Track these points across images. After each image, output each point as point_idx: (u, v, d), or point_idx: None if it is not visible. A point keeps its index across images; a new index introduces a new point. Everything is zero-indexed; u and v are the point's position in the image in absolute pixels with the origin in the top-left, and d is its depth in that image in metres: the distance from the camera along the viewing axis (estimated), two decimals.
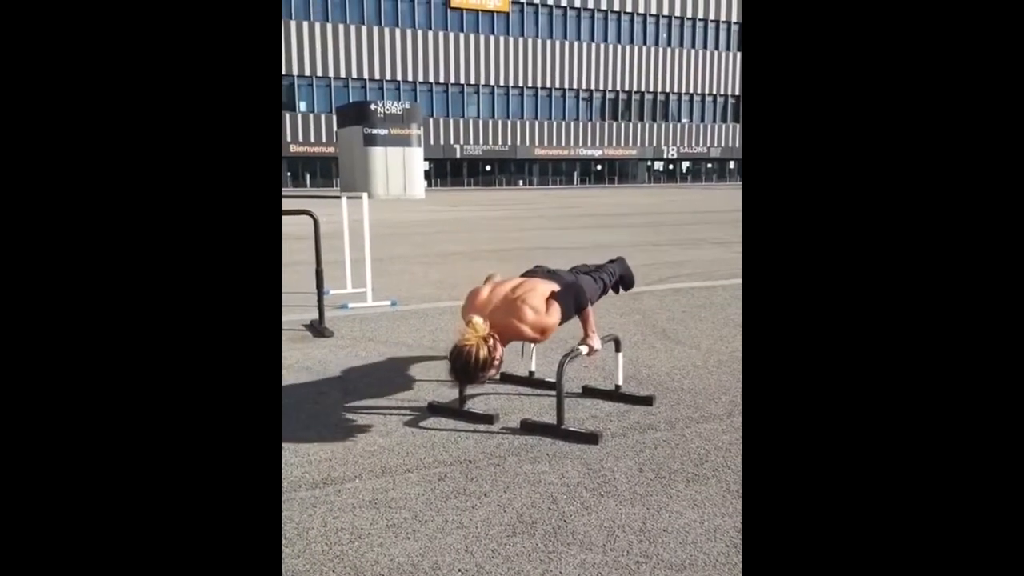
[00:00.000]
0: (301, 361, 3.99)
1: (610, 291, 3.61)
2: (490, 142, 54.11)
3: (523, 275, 3.23)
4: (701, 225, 14.22)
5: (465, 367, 2.69)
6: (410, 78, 50.47)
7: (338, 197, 6.41)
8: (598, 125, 56.92)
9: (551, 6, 52.92)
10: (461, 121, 52.93)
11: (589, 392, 3.33)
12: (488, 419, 2.98)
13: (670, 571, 1.86)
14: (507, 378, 3.51)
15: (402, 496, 2.30)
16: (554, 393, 2.94)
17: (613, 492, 2.31)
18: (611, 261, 3.77)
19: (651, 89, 57.55)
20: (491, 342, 2.74)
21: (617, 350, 3.28)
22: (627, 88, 56.76)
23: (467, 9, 50.95)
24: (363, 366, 3.90)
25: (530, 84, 53.80)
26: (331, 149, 46.04)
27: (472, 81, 52.35)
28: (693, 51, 57.98)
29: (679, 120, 59.34)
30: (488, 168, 55.24)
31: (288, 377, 3.67)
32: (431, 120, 49.74)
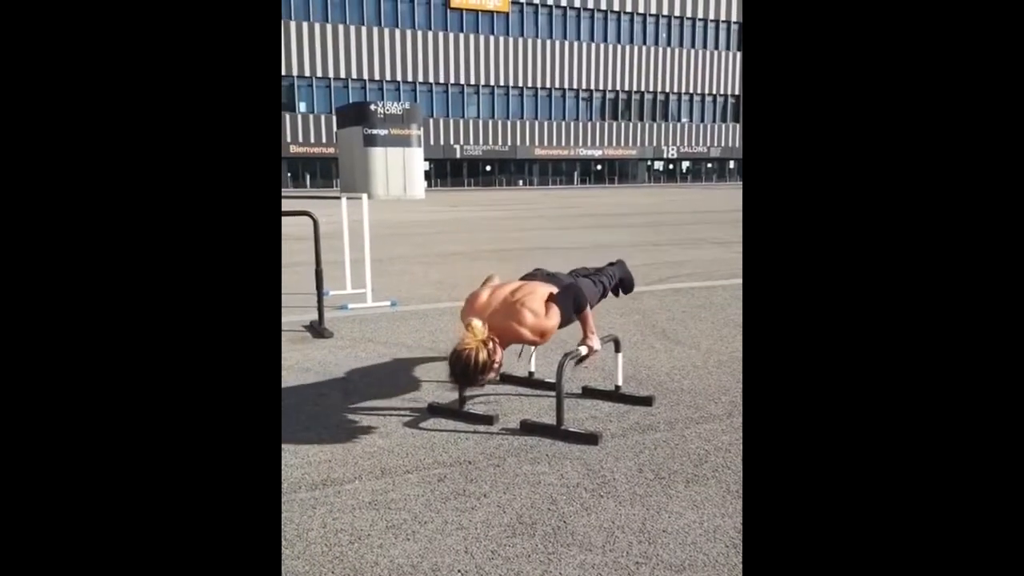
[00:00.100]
0: (301, 362, 3.99)
1: (610, 294, 3.61)
2: (490, 142, 54.12)
3: (522, 278, 3.23)
4: (701, 225, 14.23)
5: (465, 370, 2.69)
6: (410, 78, 50.49)
7: (338, 198, 6.41)
8: (598, 125, 56.93)
9: (551, 6, 52.94)
10: (461, 121, 52.94)
11: (589, 393, 3.33)
12: (488, 420, 2.97)
13: (670, 572, 1.85)
14: (507, 379, 3.51)
15: (402, 497, 2.30)
16: (554, 394, 2.94)
17: (613, 493, 2.31)
18: (611, 264, 3.77)
19: (651, 89, 57.57)
20: (491, 345, 2.74)
21: (617, 350, 3.28)
22: (627, 88, 56.77)
23: (467, 9, 50.97)
24: (363, 367, 3.90)
25: (530, 84, 53.82)
26: (331, 150, 46.06)
27: (472, 81, 52.37)
28: (693, 51, 58.00)
29: (679, 120, 59.36)
30: (488, 168, 55.25)
31: (288, 378, 3.67)
32: (431, 120, 49.75)
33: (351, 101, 42.08)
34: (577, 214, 18.92)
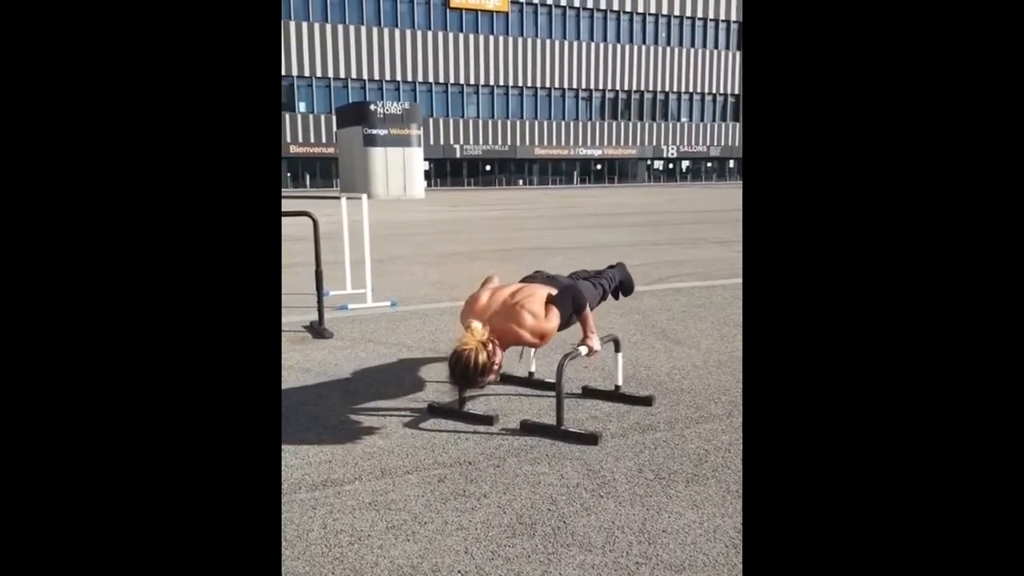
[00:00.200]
0: (301, 362, 3.99)
1: (609, 296, 3.61)
2: (490, 142, 54.11)
3: (523, 280, 3.24)
4: (701, 224, 14.23)
5: (464, 372, 2.69)
6: (410, 78, 50.48)
7: (338, 198, 6.41)
8: (598, 125, 56.93)
9: (550, 6, 52.92)
10: (461, 121, 52.94)
11: (589, 393, 3.33)
12: (488, 420, 2.97)
13: (670, 572, 1.85)
14: (507, 379, 3.51)
15: (402, 498, 2.30)
16: (554, 394, 2.94)
17: (613, 493, 2.31)
18: (611, 267, 3.78)
19: (651, 88, 57.56)
20: (490, 347, 2.74)
21: (617, 350, 3.28)
22: (627, 87, 56.77)
23: (466, 9, 50.96)
24: (363, 367, 3.90)
25: (530, 84, 53.81)
26: (331, 150, 46.05)
27: (472, 81, 52.36)
28: (692, 50, 57.99)
29: (679, 119, 59.35)
30: (488, 168, 55.25)
31: (288, 379, 3.67)
32: (431, 120, 49.74)
33: (351, 101, 42.05)
34: (577, 214, 18.92)
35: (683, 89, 58.61)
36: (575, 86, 55.18)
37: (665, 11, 56.29)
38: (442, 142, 52.57)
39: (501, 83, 53.11)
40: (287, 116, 47.60)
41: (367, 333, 4.74)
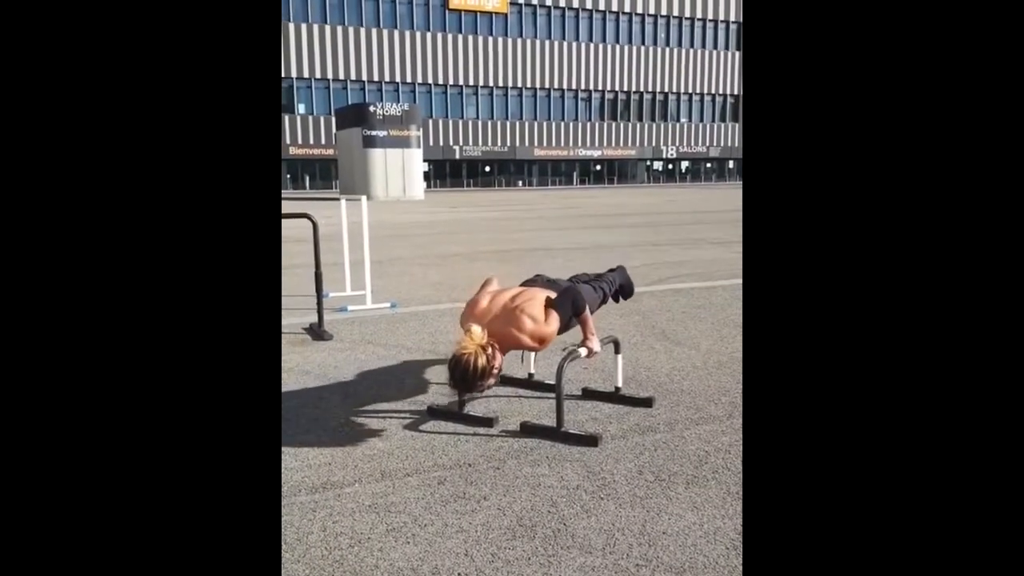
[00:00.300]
0: (301, 364, 3.99)
1: (610, 299, 3.61)
2: (489, 143, 54.13)
3: (523, 284, 3.24)
4: (700, 225, 14.23)
5: (464, 375, 2.69)
6: (409, 79, 50.50)
7: (337, 199, 6.41)
8: (597, 125, 56.95)
9: (549, 7, 52.95)
10: (460, 122, 52.96)
11: (589, 394, 3.32)
12: (488, 422, 2.97)
13: (670, 574, 1.85)
14: (506, 380, 3.50)
15: (402, 500, 2.29)
16: (553, 395, 2.93)
17: (613, 495, 2.31)
18: (611, 270, 3.78)
19: (650, 89, 57.59)
20: (490, 350, 2.74)
21: (616, 352, 3.27)
22: (626, 88, 56.80)
23: (465, 10, 50.99)
24: (363, 369, 3.89)
25: (529, 85, 53.83)
26: (330, 151, 46.07)
27: (471, 82, 52.38)
28: (692, 51, 58.03)
29: (678, 120, 59.38)
30: (487, 169, 55.27)
31: (288, 381, 3.66)
32: (430, 121, 49.76)
33: (350, 102, 42.10)
34: (576, 214, 18.92)
35: (682, 90, 58.65)
36: (574, 87, 55.21)
37: (664, 12, 56.33)
38: (441, 143, 52.59)
39: (500, 84, 53.14)
40: (287, 118, 47.64)
41: (367, 335, 4.74)
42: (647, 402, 3.19)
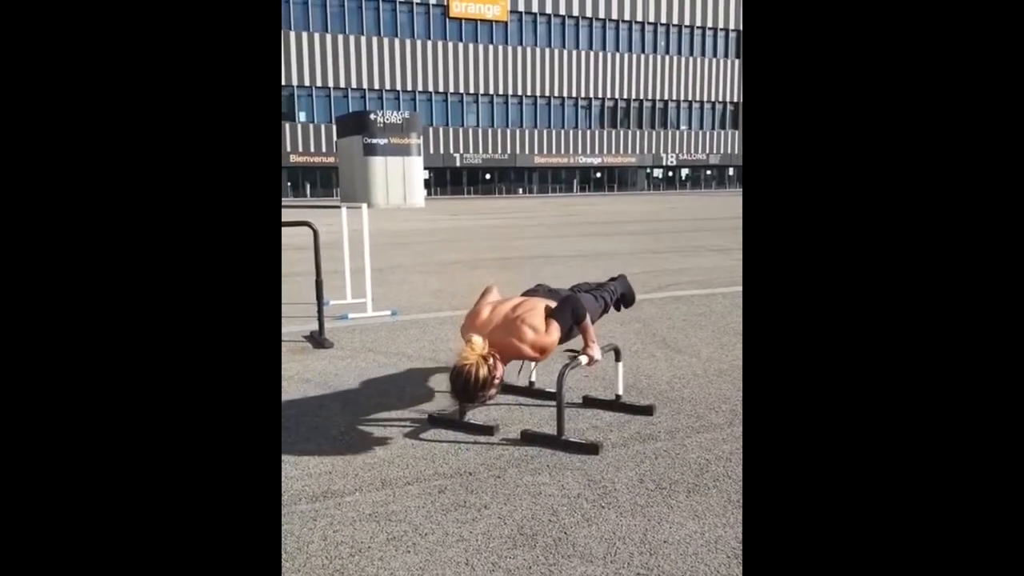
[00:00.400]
0: (301, 373, 3.99)
1: (611, 309, 3.61)
2: (490, 150, 54.20)
3: (524, 294, 3.24)
4: (700, 232, 14.23)
5: (465, 386, 2.69)
6: (409, 87, 50.61)
7: (338, 207, 6.42)
8: (597, 133, 57.04)
9: (549, 15, 53.11)
10: (461, 130, 53.04)
11: (589, 402, 3.32)
12: (488, 430, 2.97)
13: None
14: (507, 389, 3.50)
15: (402, 509, 2.29)
16: (554, 403, 2.93)
17: (614, 503, 2.30)
18: (612, 279, 3.78)
19: (650, 97, 57.69)
20: (491, 361, 2.74)
21: (617, 360, 3.27)
22: (626, 96, 56.91)
23: (466, 19, 51.13)
24: (363, 377, 3.89)
25: (529, 93, 53.95)
26: (331, 159, 46.12)
27: (471, 90, 52.50)
28: (691, 58, 58.16)
29: (678, 127, 59.46)
30: (488, 176, 55.33)
31: (288, 389, 3.66)
32: (431, 129, 49.85)
33: (351, 110, 42.16)
34: (577, 222, 18.93)
35: (682, 97, 58.75)
36: (574, 95, 55.32)
37: (664, 20, 56.46)
38: (442, 151, 52.66)
39: (501, 92, 53.25)
40: (287, 125, 47.70)
41: (367, 343, 4.74)
42: (648, 410, 3.18)
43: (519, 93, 53.73)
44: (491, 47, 52.28)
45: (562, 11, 53.31)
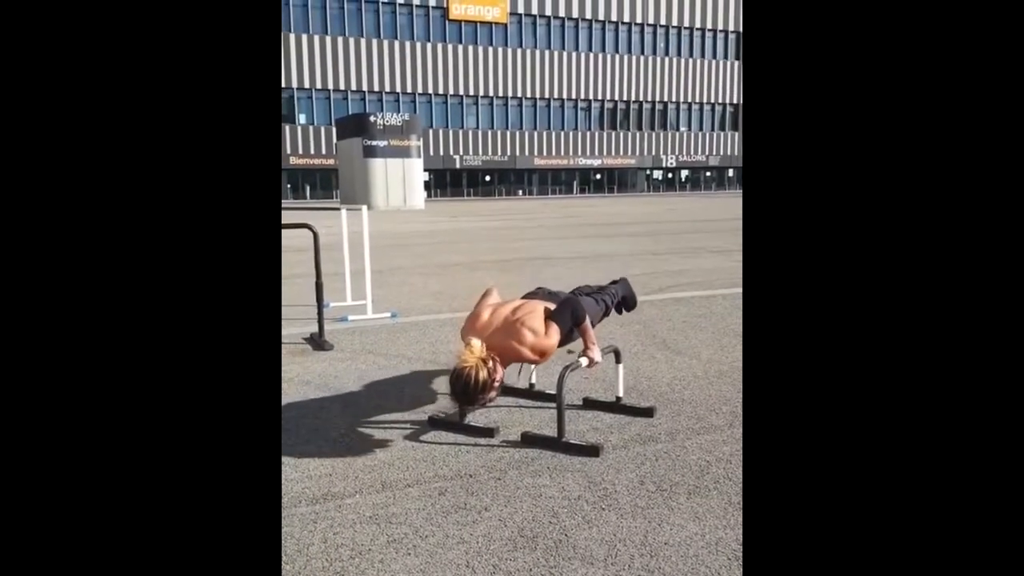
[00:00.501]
0: (301, 375, 3.98)
1: (612, 312, 3.61)
2: (490, 152, 54.23)
3: (524, 296, 3.24)
4: (700, 234, 14.23)
5: (465, 389, 2.69)
6: (409, 89, 50.64)
7: (338, 209, 6.42)
8: (597, 134, 57.07)
9: (549, 17, 53.15)
10: (460, 132, 53.07)
11: (590, 404, 3.32)
12: (488, 432, 2.96)
13: None
14: (507, 391, 3.50)
15: (403, 511, 2.29)
16: (554, 405, 2.93)
17: (614, 505, 2.30)
18: (613, 282, 3.78)
19: (650, 98, 57.73)
20: (490, 364, 2.74)
21: (617, 361, 3.27)
22: (626, 97, 56.94)
23: (466, 21, 51.16)
24: (363, 379, 3.89)
25: (529, 94, 53.98)
26: (331, 161, 46.15)
27: (471, 92, 52.53)
28: (691, 60, 58.20)
29: (678, 129, 59.49)
30: (488, 178, 55.35)
31: (288, 391, 3.66)
32: (431, 131, 49.88)
33: (351, 112, 42.17)
34: (577, 223, 18.93)
35: (682, 99, 58.78)
36: (574, 96, 55.35)
37: (664, 22, 56.51)
38: (442, 153, 52.68)
39: (501, 94, 53.29)
40: (287, 128, 47.73)
41: (367, 345, 4.74)
42: (648, 412, 3.18)
43: (519, 95, 53.77)
44: (491, 49, 52.32)
45: (562, 13, 53.35)
